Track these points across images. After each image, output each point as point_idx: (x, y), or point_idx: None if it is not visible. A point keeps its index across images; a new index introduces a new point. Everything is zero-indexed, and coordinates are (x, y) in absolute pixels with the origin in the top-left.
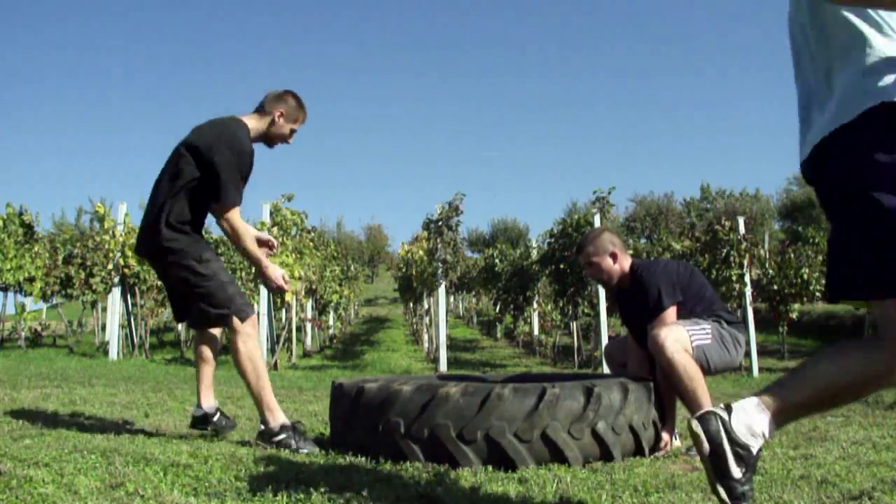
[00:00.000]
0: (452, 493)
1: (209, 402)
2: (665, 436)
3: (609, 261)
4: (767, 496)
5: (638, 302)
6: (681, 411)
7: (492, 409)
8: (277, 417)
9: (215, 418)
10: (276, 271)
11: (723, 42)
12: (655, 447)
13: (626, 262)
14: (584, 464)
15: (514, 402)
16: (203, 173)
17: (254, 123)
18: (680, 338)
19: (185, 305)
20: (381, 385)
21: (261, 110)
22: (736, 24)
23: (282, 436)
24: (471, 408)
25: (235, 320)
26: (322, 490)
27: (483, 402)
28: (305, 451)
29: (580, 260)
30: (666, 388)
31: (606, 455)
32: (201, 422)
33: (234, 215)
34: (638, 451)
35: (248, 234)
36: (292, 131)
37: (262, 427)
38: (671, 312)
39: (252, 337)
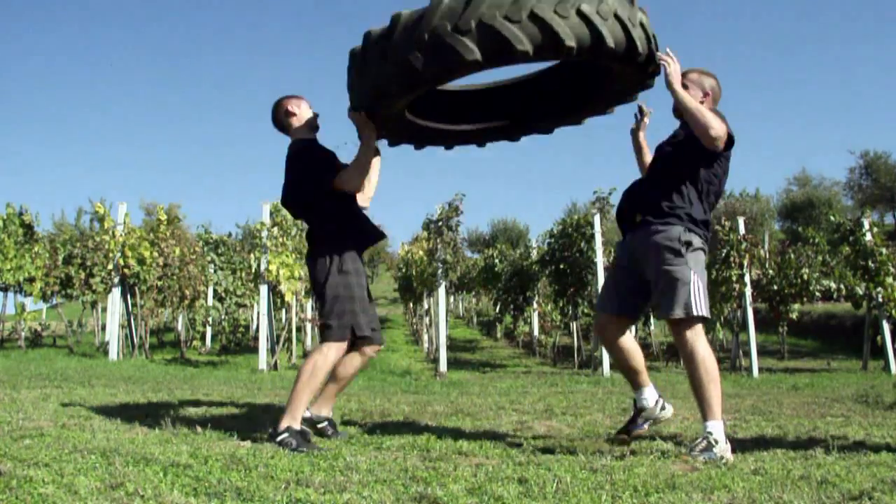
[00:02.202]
0: (452, 493)
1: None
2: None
3: (698, 94)
4: (767, 496)
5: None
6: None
7: (479, 0)
8: (290, 422)
9: (321, 425)
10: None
11: (722, 41)
12: (650, 60)
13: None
14: (578, 45)
15: None
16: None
17: (301, 133)
18: (700, 328)
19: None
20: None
21: (286, 128)
22: (736, 24)
23: (284, 435)
24: (460, 3)
25: (328, 333)
26: (322, 490)
27: None
28: (304, 451)
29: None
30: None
31: (596, 36)
32: (309, 424)
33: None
34: (629, 44)
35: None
36: (308, 106)
37: (275, 427)
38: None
39: (331, 353)
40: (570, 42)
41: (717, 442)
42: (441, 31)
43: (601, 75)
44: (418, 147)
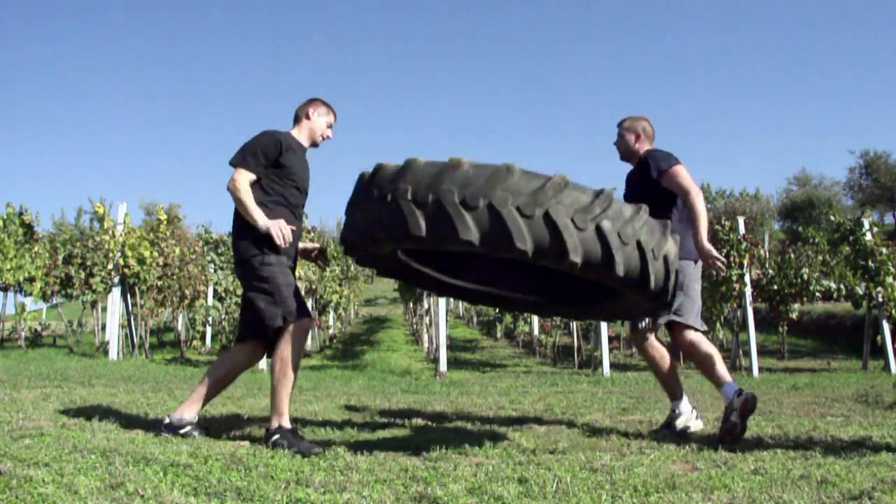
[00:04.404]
0: (452, 493)
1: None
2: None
3: (632, 138)
4: (767, 496)
5: (637, 180)
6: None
7: (498, 179)
8: (279, 420)
9: (184, 430)
10: (268, 224)
11: (722, 42)
12: (664, 290)
13: (644, 147)
14: (584, 261)
15: (522, 177)
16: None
17: (295, 132)
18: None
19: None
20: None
21: (296, 120)
22: (736, 24)
23: (276, 436)
24: (478, 177)
25: (283, 322)
26: (322, 490)
27: (491, 173)
28: (295, 450)
29: (618, 129)
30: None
31: (607, 258)
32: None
33: (237, 175)
34: (643, 276)
35: (248, 194)
36: (329, 125)
37: (267, 428)
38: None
39: (293, 341)
40: (576, 258)
41: (681, 413)
42: (446, 199)
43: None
44: (407, 284)
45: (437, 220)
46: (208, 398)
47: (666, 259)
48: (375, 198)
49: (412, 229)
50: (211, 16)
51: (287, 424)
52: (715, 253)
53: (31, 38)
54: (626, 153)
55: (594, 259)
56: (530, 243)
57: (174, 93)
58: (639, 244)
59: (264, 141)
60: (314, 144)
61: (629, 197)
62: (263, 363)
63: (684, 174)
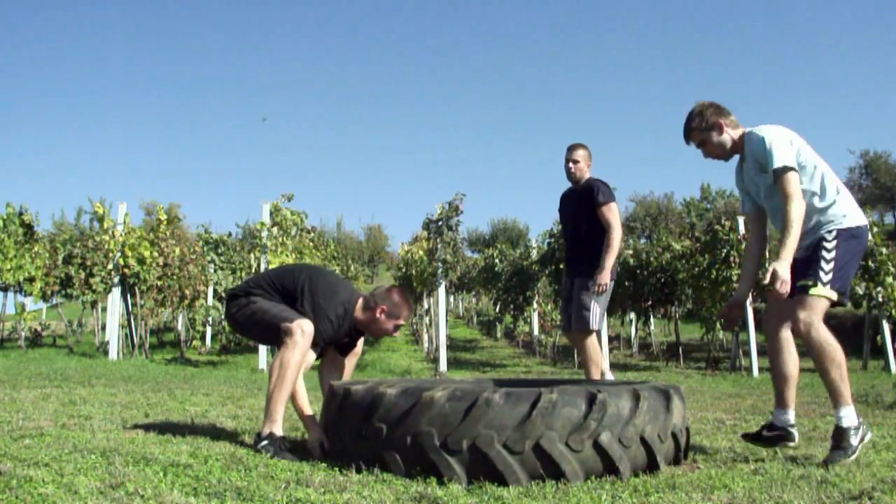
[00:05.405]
0: (452, 493)
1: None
2: None
3: (586, 167)
4: (767, 496)
5: (581, 201)
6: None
7: (479, 417)
8: (271, 427)
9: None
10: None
11: (721, 41)
12: (678, 461)
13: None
14: (585, 478)
15: (504, 408)
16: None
17: (359, 312)
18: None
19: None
20: (368, 387)
21: (368, 303)
22: (735, 23)
23: (264, 442)
24: (456, 414)
25: (284, 325)
26: (322, 490)
27: (469, 409)
28: (279, 458)
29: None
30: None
31: (611, 470)
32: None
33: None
34: (651, 466)
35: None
36: (396, 326)
37: (258, 433)
38: None
39: (297, 346)
40: (576, 480)
41: None
42: (426, 443)
43: None
44: None
45: (419, 464)
46: (305, 405)
47: (675, 435)
48: (349, 429)
49: (393, 471)
50: (212, 15)
51: (279, 432)
52: (607, 282)
53: (30, 37)
54: (579, 179)
55: (596, 473)
56: (524, 480)
57: (174, 92)
58: (643, 440)
59: (330, 326)
60: (365, 329)
61: (571, 214)
62: (263, 363)
63: (614, 211)
